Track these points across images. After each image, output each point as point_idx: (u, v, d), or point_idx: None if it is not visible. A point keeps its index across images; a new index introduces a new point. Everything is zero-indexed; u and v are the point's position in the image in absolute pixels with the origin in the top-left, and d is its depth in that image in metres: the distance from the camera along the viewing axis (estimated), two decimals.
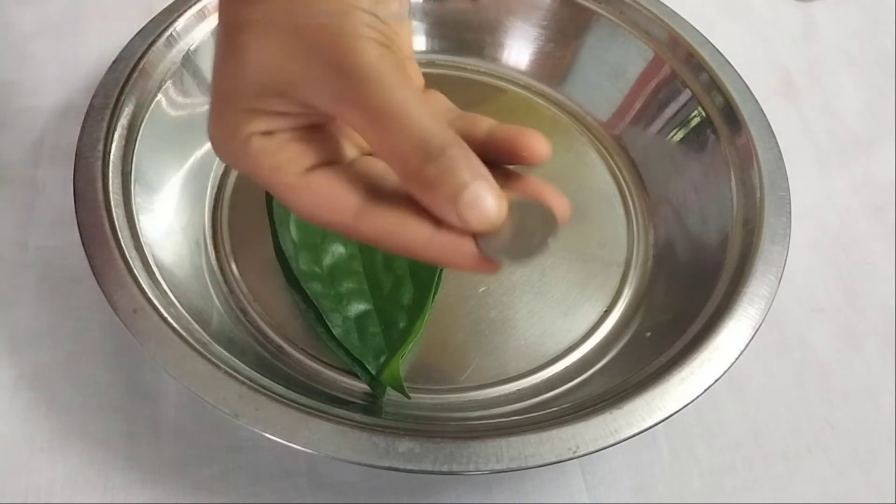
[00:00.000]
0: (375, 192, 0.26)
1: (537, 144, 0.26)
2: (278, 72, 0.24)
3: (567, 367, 0.38)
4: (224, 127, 0.26)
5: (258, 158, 0.25)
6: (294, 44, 0.24)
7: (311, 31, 0.24)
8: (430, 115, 0.23)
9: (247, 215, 0.41)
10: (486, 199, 0.23)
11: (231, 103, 0.25)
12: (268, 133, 0.25)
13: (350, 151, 0.28)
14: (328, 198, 0.25)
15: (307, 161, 0.26)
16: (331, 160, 0.26)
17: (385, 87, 0.23)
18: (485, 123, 0.27)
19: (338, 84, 0.23)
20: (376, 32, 0.24)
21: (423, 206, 0.24)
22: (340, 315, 0.37)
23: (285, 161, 0.25)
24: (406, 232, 0.24)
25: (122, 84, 0.38)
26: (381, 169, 0.27)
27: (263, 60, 0.24)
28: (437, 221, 0.24)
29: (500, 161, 0.27)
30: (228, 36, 0.25)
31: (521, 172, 0.27)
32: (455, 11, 0.48)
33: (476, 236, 0.24)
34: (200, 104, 0.41)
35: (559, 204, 0.26)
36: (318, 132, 0.26)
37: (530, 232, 0.25)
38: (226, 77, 0.25)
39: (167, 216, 0.39)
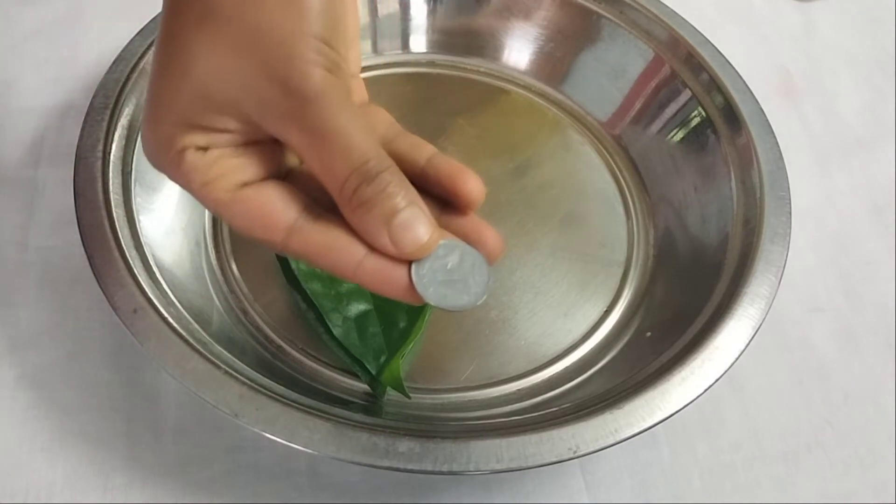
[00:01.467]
0: (309, 211, 0.26)
1: (473, 188, 0.26)
2: (224, 88, 0.24)
3: (567, 367, 0.38)
4: (158, 137, 0.25)
5: (189, 174, 0.25)
6: (243, 62, 0.24)
7: (261, 52, 0.24)
8: (370, 139, 0.24)
9: None
10: (418, 224, 0.24)
11: (169, 114, 0.25)
12: (202, 148, 0.25)
13: (285, 164, 0.28)
14: (259, 215, 0.25)
15: (240, 177, 0.25)
16: (265, 175, 0.26)
17: (328, 110, 0.24)
18: (426, 150, 0.27)
19: (283, 104, 0.24)
20: (324, 58, 0.24)
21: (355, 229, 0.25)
22: (340, 315, 0.37)
23: (217, 177, 0.25)
24: (337, 254, 0.25)
25: (122, 84, 0.38)
26: (316, 182, 0.27)
27: (210, 75, 0.24)
28: (369, 246, 0.25)
29: (431, 191, 0.27)
30: (173, 44, 0.25)
31: (455, 209, 0.27)
32: (455, 11, 0.48)
33: (409, 266, 0.25)
34: None
35: (493, 242, 0.26)
36: (253, 148, 0.26)
37: (462, 278, 0.25)
38: (166, 86, 0.25)
39: (167, 216, 0.39)
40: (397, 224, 0.24)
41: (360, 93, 0.30)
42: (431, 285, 0.25)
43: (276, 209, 0.25)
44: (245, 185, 0.25)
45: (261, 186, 0.26)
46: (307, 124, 0.24)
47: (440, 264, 0.25)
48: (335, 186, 0.24)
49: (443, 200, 0.27)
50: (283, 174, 0.27)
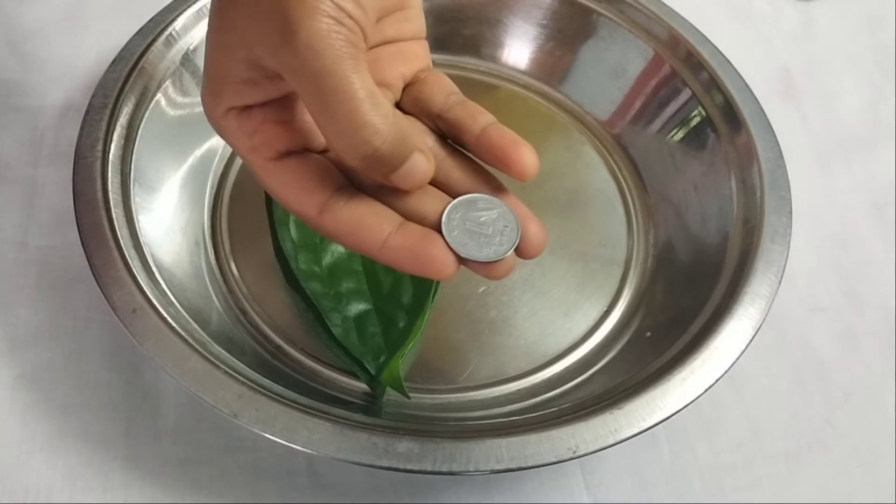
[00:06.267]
0: (343, 190, 0.26)
1: (527, 161, 0.26)
2: (242, 36, 0.24)
3: (567, 367, 0.38)
4: (207, 101, 0.26)
5: (236, 138, 0.26)
6: (255, 7, 0.24)
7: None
8: (370, 94, 0.23)
9: (247, 215, 0.41)
10: (417, 171, 0.25)
11: (209, 77, 0.26)
12: (246, 110, 0.26)
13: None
14: (295, 188, 0.26)
15: (281, 145, 0.26)
16: (306, 146, 0.27)
17: (324, 60, 0.23)
18: (483, 119, 0.27)
19: (282, 50, 0.23)
20: (331, 5, 0.23)
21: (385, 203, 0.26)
22: (340, 315, 0.37)
23: (260, 144, 0.26)
24: (364, 233, 0.25)
25: (122, 83, 0.38)
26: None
27: (233, 28, 0.25)
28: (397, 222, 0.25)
29: (485, 161, 0.27)
30: (214, 11, 0.26)
31: (510, 193, 0.27)
32: (454, 10, 0.48)
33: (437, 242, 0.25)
34: (200, 104, 0.41)
35: (535, 235, 0.27)
36: (295, 115, 0.26)
37: (490, 235, 0.26)
38: (207, 55, 0.26)
39: (166, 216, 0.39)
40: (398, 175, 0.25)
41: (420, 57, 0.30)
42: (457, 230, 0.25)
43: (313, 185, 0.26)
44: (287, 154, 0.26)
45: (300, 159, 0.26)
46: (300, 72, 0.23)
47: (474, 215, 0.26)
48: (331, 139, 0.24)
49: (496, 184, 0.27)
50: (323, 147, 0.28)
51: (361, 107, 0.23)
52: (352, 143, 0.24)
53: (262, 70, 0.25)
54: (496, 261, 0.26)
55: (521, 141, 0.26)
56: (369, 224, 0.25)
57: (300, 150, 0.26)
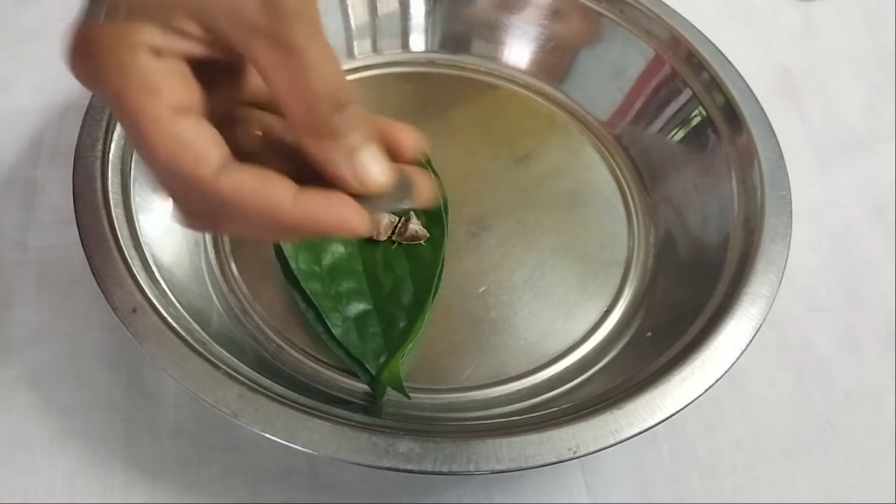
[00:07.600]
0: (246, 153, 0.25)
1: (406, 138, 0.27)
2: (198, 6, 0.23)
3: (567, 367, 0.38)
4: (112, 28, 0.24)
5: (137, 77, 0.23)
6: None
7: None
8: (340, 66, 0.24)
9: None
10: (380, 161, 0.25)
11: (137, 6, 0.24)
12: (157, 53, 0.24)
13: (237, 102, 0.27)
14: (192, 142, 0.23)
15: (184, 99, 0.24)
16: (206, 115, 0.25)
17: (310, 28, 0.23)
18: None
19: (258, 16, 0.23)
20: None
21: (309, 161, 0.25)
22: (340, 315, 0.37)
23: (164, 89, 0.23)
24: (269, 194, 0.24)
25: None
26: (266, 123, 0.27)
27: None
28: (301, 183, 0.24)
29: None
30: None
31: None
32: (455, 10, 0.48)
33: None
34: None
35: (427, 188, 0.27)
36: (207, 75, 0.25)
37: (397, 194, 0.26)
38: None
39: (166, 215, 0.39)
40: (361, 159, 0.24)
41: None
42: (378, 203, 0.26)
43: (212, 142, 0.24)
44: (185, 109, 0.24)
45: (199, 118, 0.24)
46: (283, 39, 0.23)
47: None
48: (301, 109, 0.24)
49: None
50: (232, 108, 0.27)
51: (341, 70, 0.24)
52: (336, 101, 0.24)
53: (210, 30, 0.24)
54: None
55: (397, 124, 0.27)
56: (275, 183, 0.24)
57: (196, 111, 0.24)
